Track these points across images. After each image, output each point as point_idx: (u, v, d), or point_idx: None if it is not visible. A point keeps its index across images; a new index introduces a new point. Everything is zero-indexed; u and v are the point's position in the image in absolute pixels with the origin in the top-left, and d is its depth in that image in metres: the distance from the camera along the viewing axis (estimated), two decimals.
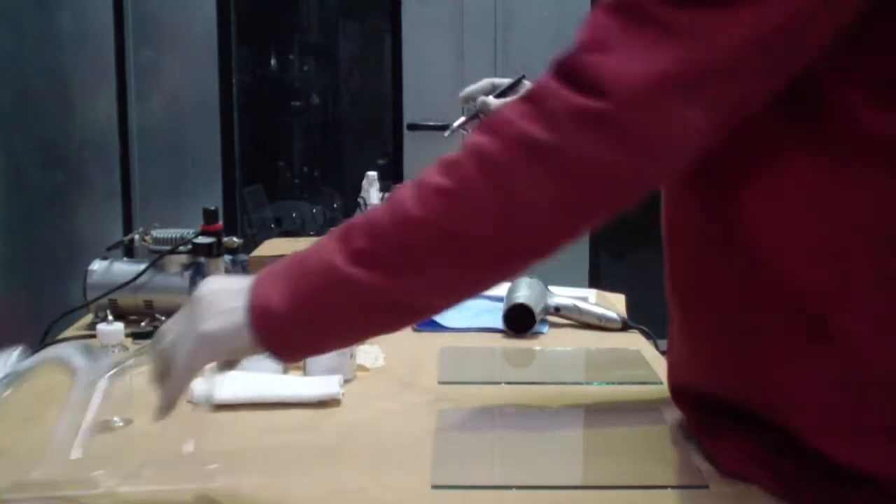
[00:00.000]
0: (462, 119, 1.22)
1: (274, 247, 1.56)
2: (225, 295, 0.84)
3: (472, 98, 1.22)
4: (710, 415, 0.98)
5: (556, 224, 0.78)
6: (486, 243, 0.77)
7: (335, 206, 4.02)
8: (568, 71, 0.76)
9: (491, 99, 1.19)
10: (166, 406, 0.88)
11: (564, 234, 0.79)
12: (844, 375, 0.83)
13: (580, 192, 0.76)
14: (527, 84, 1.21)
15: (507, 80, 1.24)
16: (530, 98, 0.77)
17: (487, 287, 0.83)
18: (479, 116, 1.21)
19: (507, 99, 1.19)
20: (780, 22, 0.74)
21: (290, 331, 0.81)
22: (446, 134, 1.23)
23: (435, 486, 0.95)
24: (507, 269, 0.82)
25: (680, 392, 1.06)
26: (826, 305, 0.83)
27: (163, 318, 1.49)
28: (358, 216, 0.82)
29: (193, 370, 0.86)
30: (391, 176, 3.11)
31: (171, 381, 0.87)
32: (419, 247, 0.78)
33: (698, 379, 1.02)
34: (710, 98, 0.76)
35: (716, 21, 0.74)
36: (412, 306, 0.81)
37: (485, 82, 1.22)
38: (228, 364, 0.90)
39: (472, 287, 0.82)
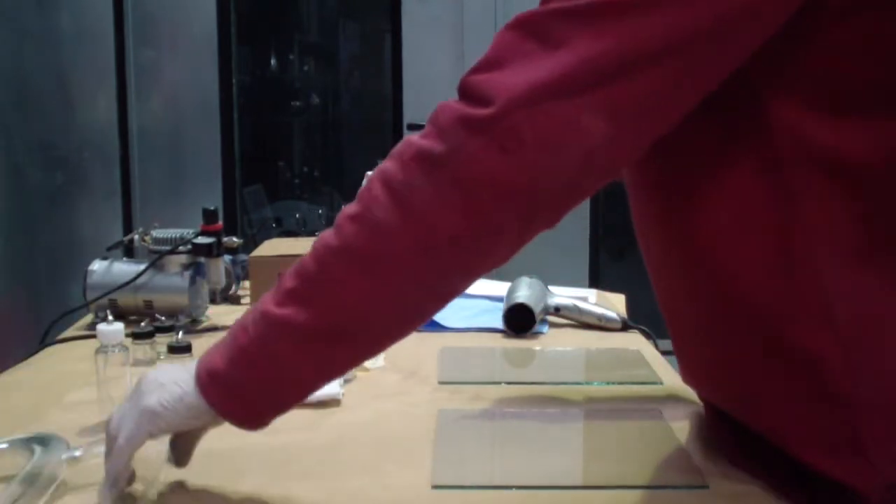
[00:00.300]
0: None
1: (274, 247, 1.56)
2: (171, 371, 0.86)
3: None
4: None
5: (461, 235, 0.78)
6: (397, 259, 0.78)
7: (337, 205, 4.02)
8: (461, 87, 0.78)
9: None
10: (111, 483, 0.87)
11: (473, 250, 0.80)
12: (810, 390, 0.83)
13: (478, 199, 0.76)
14: None
15: None
16: (429, 119, 0.79)
17: (420, 303, 0.83)
18: None
19: None
20: (667, 34, 0.75)
21: (238, 385, 0.83)
22: None
23: (435, 487, 0.95)
24: (425, 285, 0.81)
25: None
26: (781, 322, 0.83)
27: (162, 318, 1.50)
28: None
29: (133, 445, 0.86)
30: None
31: (112, 458, 0.87)
32: (337, 273, 0.79)
33: (691, 383, 1.03)
34: (602, 103, 0.75)
35: (600, 30, 0.75)
36: (347, 333, 0.81)
37: None
38: (182, 439, 0.91)
39: (398, 305, 0.82)
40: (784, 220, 0.81)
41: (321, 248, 0.81)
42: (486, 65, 0.78)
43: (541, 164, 0.76)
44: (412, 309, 0.83)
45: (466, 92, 0.77)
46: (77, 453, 0.95)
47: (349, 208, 0.81)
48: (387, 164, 0.81)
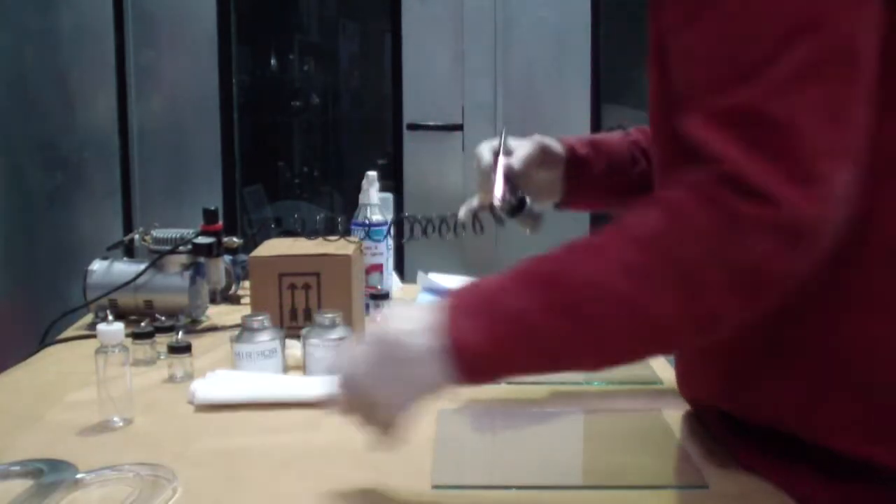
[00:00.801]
0: (499, 191, 1.16)
1: (274, 247, 1.56)
2: (413, 336, 0.84)
3: (489, 170, 1.17)
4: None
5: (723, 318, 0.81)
6: (664, 322, 0.81)
7: (337, 205, 4.02)
8: (731, 178, 0.77)
9: (512, 159, 1.17)
10: (389, 438, 0.91)
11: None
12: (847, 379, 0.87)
13: (758, 293, 0.80)
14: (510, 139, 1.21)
15: (491, 143, 1.20)
16: (700, 192, 0.79)
17: (638, 356, 0.90)
18: (510, 181, 1.16)
19: (522, 150, 1.18)
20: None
21: (489, 370, 0.85)
22: (500, 212, 1.19)
23: (435, 487, 0.96)
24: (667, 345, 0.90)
25: (693, 402, 1.10)
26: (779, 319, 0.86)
27: (162, 318, 1.50)
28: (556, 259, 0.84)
29: (396, 413, 0.88)
30: (391, 176, 3.11)
31: (378, 426, 0.90)
32: (607, 317, 0.81)
33: (690, 386, 1.05)
34: (856, 154, 0.79)
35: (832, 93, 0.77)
36: (591, 361, 0.86)
37: (486, 150, 1.19)
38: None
39: (631, 354, 0.87)
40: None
41: (596, 281, 0.81)
42: (748, 155, 0.77)
43: (828, 237, 0.78)
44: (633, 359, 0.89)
45: (734, 182, 0.77)
46: (84, 476, 0.95)
47: (630, 253, 0.80)
48: (667, 214, 0.80)
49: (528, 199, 1.17)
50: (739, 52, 0.79)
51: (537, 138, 1.20)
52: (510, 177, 1.16)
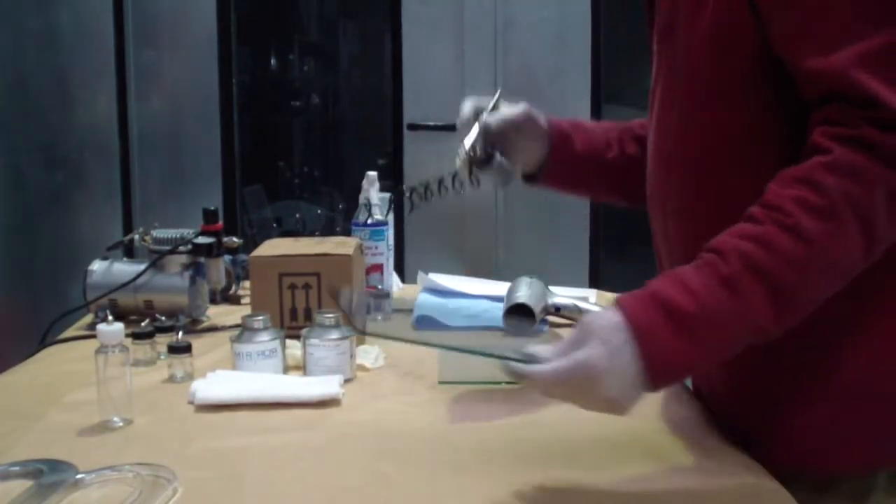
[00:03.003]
0: (469, 140, 1.22)
1: (274, 247, 1.56)
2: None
3: (470, 122, 1.22)
4: None
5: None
6: (851, 266, 0.89)
7: (337, 205, 4.02)
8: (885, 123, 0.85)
9: (492, 116, 1.21)
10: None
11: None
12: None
13: None
14: (501, 93, 1.27)
15: (486, 98, 1.25)
16: (865, 147, 0.86)
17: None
18: (483, 135, 1.21)
19: (507, 113, 1.22)
20: None
21: (682, 375, 0.96)
22: (462, 163, 1.22)
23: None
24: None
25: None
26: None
27: (162, 318, 1.49)
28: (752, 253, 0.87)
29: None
30: (391, 176, 3.11)
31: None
32: (810, 284, 0.88)
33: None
34: None
35: None
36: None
37: (469, 106, 1.23)
38: None
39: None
40: None
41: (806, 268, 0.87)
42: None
43: None
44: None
45: (892, 126, 0.85)
46: (84, 476, 0.95)
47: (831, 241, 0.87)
48: (837, 178, 0.86)
49: (498, 155, 1.21)
50: None
51: (525, 105, 1.23)
52: (487, 133, 1.20)
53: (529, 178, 1.28)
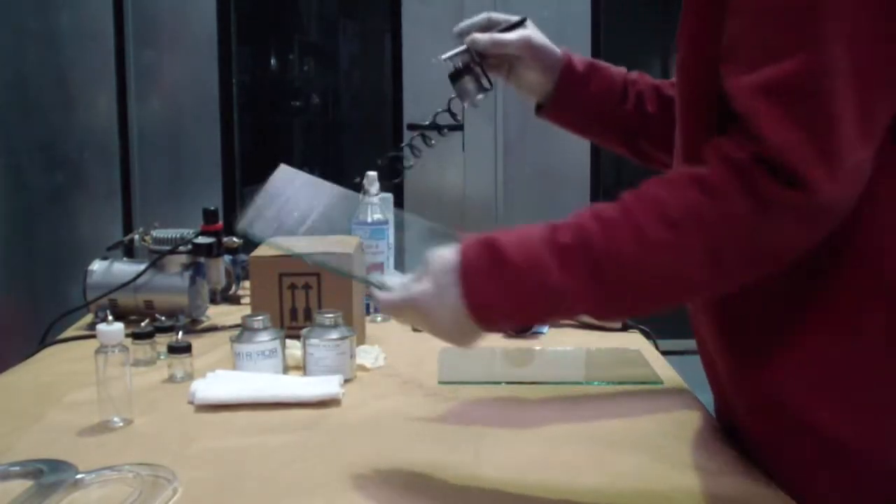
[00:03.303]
0: (451, 52, 1.21)
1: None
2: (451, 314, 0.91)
3: (466, 33, 1.20)
4: None
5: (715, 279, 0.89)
6: (690, 289, 0.91)
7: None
8: (765, 158, 0.83)
9: (481, 36, 1.18)
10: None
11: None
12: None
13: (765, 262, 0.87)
14: (529, 25, 1.22)
15: (505, 16, 1.22)
16: (735, 171, 0.84)
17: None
18: (469, 52, 1.19)
19: (499, 36, 1.19)
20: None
21: (503, 322, 0.96)
22: (434, 60, 1.22)
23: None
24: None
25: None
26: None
27: (162, 318, 1.49)
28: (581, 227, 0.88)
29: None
30: (391, 176, 3.11)
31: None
32: (640, 288, 0.88)
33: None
34: (872, 144, 0.84)
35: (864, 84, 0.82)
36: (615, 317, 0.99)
37: (482, 17, 1.22)
38: None
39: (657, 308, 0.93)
40: None
41: (627, 260, 0.87)
42: (788, 144, 0.82)
43: (837, 221, 0.86)
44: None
45: (773, 169, 0.82)
46: (84, 476, 0.95)
47: (659, 230, 0.85)
48: (701, 196, 0.85)
49: (477, 70, 1.18)
50: (799, 18, 0.82)
51: (527, 35, 1.20)
52: (474, 51, 1.18)
53: (537, 108, 1.25)
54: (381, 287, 1.00)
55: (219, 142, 3.12)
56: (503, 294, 0.89)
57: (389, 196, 1.85)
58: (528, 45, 1.19)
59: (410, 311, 0.95)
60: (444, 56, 1.19)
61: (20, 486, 0.93)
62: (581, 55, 1.24)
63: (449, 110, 1.25)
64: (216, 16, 3.07)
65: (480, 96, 1.21)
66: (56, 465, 0.97)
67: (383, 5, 3.21)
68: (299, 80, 4.37)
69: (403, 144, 1.42)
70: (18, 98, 2.91)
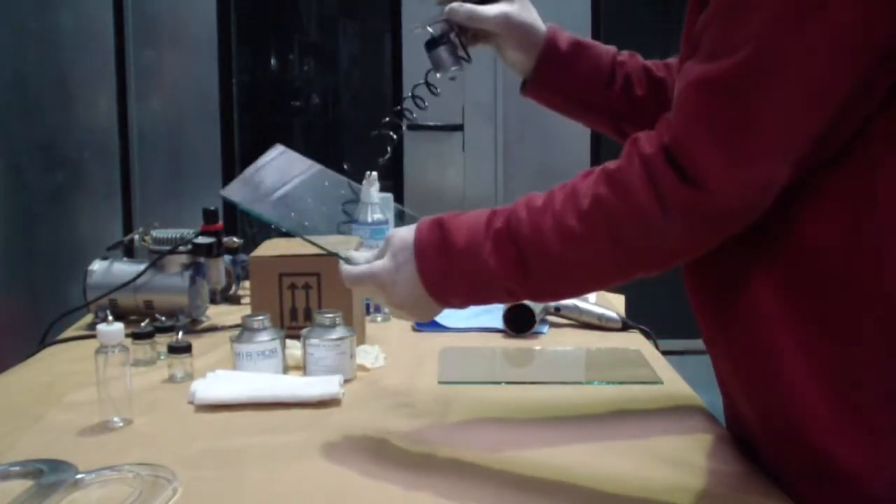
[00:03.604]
0: (430, 21, 1.14)
1: (274, 247, 1.56)
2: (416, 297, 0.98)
3: (447, 1, 1.15)
4: None
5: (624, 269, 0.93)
6: (590, 276, 0.94)
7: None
8: (670, 153, 0.85)
9: (459, 6, 1.14)
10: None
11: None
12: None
13: (664, 259, 0.91)
14: None
15: None
16: (644, 170, 0.86)
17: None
18: (448, 22, 1.14)
19: (477, 9, 1.14)
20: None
21: (453, 298, 0.98)
22: (413, 29, 1.18)
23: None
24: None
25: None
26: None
27: (162, 318, 1.49)
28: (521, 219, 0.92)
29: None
30: (391, 176, 3.11)
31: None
32: (547, 271, 0.93)
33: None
34: (789, 159, 0.83)
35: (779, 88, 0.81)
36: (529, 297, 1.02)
37: None
38: None
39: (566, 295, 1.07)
40: None
41: (549, 251, 0.91)
42: (691, 138, 0.84)
43: (741, 226, 0.87)
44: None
45: (675, 165, 0.84)
46: (84, 476, 0.95)
47: (571, 220, 0.89)
48: (611, 190, 0.88)
49: (455, 41, 1.15)
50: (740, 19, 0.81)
51: (507, 9, 1.15)
52: (451, 22, 1.14)
53: (522, 85, 1.22)
54: (347, 260, 1.04)
55: (219, 142, 3.12)
56: (448, 272, 0.95)
57: (389, 196, 1.85)
58: (507, 22, 1.15)
59: (370, 285, 1.00)
60: (421, 25, 1.15)
61: (20, 486, 0.93)
62: (569, 33, 1.20)
63: (426, 82, 1.20)
64: (216, 16, 3.07)
65: (456, 68, 1.16)
66: (56, 465, 0.97)
67: (383, 5, 3.21)
68: (299, 80, 4.37)
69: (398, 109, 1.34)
70: (18, 98, 2.91)
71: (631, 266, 0.91)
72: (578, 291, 0.97)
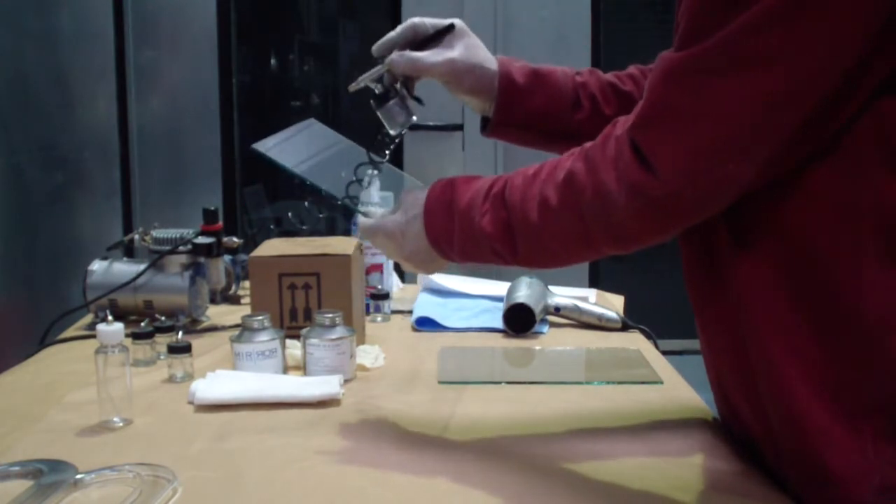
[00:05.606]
0: (366, 74, 1.13)
1: (274, 247, 1.56)
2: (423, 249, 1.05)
3: (387, 51, 1.12)
4: None
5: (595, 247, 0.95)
6: (561, 248, 0.97)
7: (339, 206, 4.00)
8: (631, 140, 0.86)
9: (399, 57, 1.11)
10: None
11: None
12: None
13: (626, 242, 0.93)
14: (458, 24, 1.14)
15: (432, 21, 1.12)
16: (617, 146, 0.88)
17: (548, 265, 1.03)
18: (391, 73, 1.11)
19: (418, 58, 1.10)
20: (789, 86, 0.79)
21: (454, 254, 1.03)
22: (350, 88, 1.18)
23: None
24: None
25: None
26: None
27: (162, 318, 1.49)
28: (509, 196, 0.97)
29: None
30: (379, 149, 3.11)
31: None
32: (528, 237, 0.96)
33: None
34: (750, 157, 0.83)
35: (744, 80, 0.80)
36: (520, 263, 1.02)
37: (406, 26, 1.14)
38: None
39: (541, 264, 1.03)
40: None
41: (530, 226, 0.95)
42: (650, 122, 0.86)
43: (693, 217, 0.89)
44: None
45: (635, 148, 0.86)
46: (84, 476, 0.95)
47: (552, 195, 0.93)
48: (584, 166, 0.91)
49: (401, 92, 1.12)
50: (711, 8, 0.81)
51: (452, 59, 1.12)
52: (394, 73, 1.12)
53: (482, 127, 1.19)
54: (365, 214, 1.12)
55: (219, 142, 3.12)
56: (450, 229, 1.01)
57: (389, 196, 1.85)
58: (452, 69, 1.11)
59: (381, 237, 1.08)
60: (359, 80, 1.12)
61: (20, 486, 0.93)
62: (523, 62, 1.16)
63: (381, 136, 1.16)
64: (216, 16, 3.07)
65: (414, 118, 1.13)
66: (56, 465, 0.97)
67: (383, 5, 3.21)
68: (299, 80, 4.37)
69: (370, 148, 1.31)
70: (18, 98, 2.90)
71: (597, 242, 0.93)
72: (555, 262, 0.98)
